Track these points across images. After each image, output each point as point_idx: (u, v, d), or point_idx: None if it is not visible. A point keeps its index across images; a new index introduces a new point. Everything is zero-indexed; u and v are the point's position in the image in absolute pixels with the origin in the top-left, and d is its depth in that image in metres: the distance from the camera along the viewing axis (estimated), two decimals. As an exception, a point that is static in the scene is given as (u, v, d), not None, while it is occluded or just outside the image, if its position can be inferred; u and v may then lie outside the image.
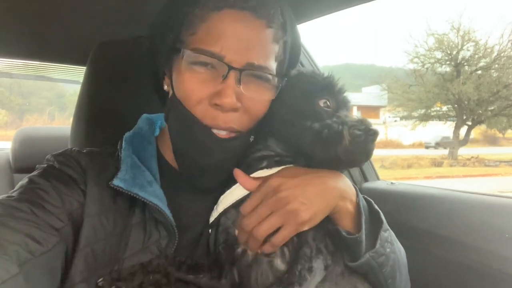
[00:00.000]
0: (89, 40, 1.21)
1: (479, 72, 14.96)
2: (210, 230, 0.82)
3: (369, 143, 0.72)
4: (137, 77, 1.08)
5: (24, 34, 1.40)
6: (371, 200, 0.85)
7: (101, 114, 1.10)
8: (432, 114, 16.64)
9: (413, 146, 20.95)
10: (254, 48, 0.74)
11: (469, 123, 15.69)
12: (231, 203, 0.78)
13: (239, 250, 0.77)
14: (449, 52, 15.60)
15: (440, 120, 16.85)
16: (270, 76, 0.77)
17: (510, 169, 14.72)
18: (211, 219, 0.81)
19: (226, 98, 0.72)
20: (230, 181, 0.80)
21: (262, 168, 0.79)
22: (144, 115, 0.95)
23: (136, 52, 1.07)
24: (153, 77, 0.88)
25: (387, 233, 0.79)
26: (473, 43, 15.35)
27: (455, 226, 1.17)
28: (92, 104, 1.11)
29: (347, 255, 0.75)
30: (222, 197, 0.80)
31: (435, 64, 15.98)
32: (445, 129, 17.11)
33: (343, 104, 0.80)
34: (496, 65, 14.63)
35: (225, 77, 0.73)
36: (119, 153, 0.83)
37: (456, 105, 15.50)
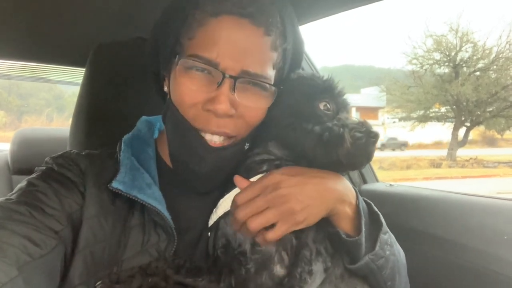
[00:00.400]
0: (88, 41, 1.21)
1: (478, 73, 14.98)
2: (209, 234, 0.82)
3: (370, 145, 0.72)
4: (136, 79, 1.08)
5: (23, 35, 1.40)
6: (371, 202, 0.84)
7: (100, 116, 1.10)
8: (431, 115, 16.65)
9: (412, 147, 20.95)
10: (250, 55, 0.73)
11: (468, 124, 15.70)
12: (230, 207, 0.78)
13: (237, 262, 0.77)
14: (447, 53, 15.61)
15: (438, 121, 16.86)
16: (266, 85, 0.77)
17: (508, 170, 14.72)
18: (210, 222, 0.81)
19: (220, 105, 0.72)
20: (229, 185, 0.80)
21: (262, 172, 0.79)
22: (143, 117, 0.95)
23: (135, 53, 1.07)
24: (154, 78, 0.88)
25: (387, 236, 0.79)
26: (472, 45, 15.38)
27: (454, 227, 1.17)
28: (91, 106, 1.11)
29: (346, 258, 0.75)
30: (221, 200, 0.80)
31: (433, 66, 16.00)
32: (443, 130, 17.12)
33: (343, 106, 0.80)
34: (495, 67, 14.65)
35: (219, 84, 0.72)
36: (118, 155, 0.83)
37: (454, 106, 15.52)
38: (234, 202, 0.74)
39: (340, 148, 0.71)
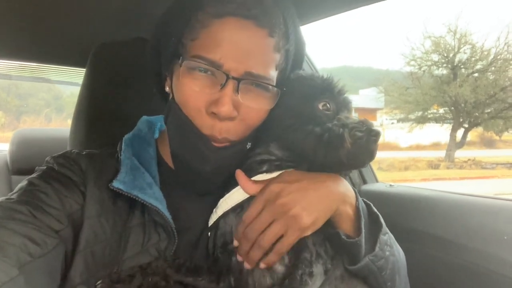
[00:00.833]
0: (89, 41, 1.21)
1: (476, 74, 15.02)
2: (209, 233, 0.82)
3: (372, 144, 0.72)
4: (137, 79, 1.08)
5: (23, 35, 1.40)
6: (370, 203, 0.85)
7: (101, 116, 1.10)
8: (429, 116, 16.68)
9: (410, 148, 20.97)
10: (254, 57, 0.73)
11: (466, 125, 15.73)
12: (230, 207, 0.78)
13: (234, 259, 0.77)
14: (445, 54, 15.65)
15: (437, 122, 16.90)
16: (269, 86, 0.77)
17: (506, 172, 14.76)
18: (210, 222, 0.81)
19: (223, 107, 0.72)
20: (229, 184, 0.80)
21: (262, 172, 0.79)
22: (144, 117, 0.95)
23: (136, 53, 1.07)
24: (155, 78, 0.88)
25: (386, 236, 0.79)
26: (470, 46, 15.42)
27: (454, 228, 1.17)
28: (92, 105, 1.11)
29: (346, 259, 0.75)
30: (221, 200, 0.80)
31: (432, 67, 16.02)
32: (442, 131, 17.16)
33: (344, 105, 0.79)
34: (493, 68, 14.69)
35: (223, 86, 0.72)
36: (119, 155, 0.83)
37: (453, 108, 15.55)
38: (242, 221, 0.74)
39: (340, 148, 0.71)
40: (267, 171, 0.79)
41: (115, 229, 0.76)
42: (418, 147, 21.19)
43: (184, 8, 0.77)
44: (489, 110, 14.80)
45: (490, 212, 1.14)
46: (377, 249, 0.74)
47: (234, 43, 0.72)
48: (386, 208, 1.18)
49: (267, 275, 0.74)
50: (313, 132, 0.74)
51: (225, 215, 0.79)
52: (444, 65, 15.78)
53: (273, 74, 0.77)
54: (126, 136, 0.88)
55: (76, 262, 0.72)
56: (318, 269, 0.73)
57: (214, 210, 0.81)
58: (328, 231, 0.75)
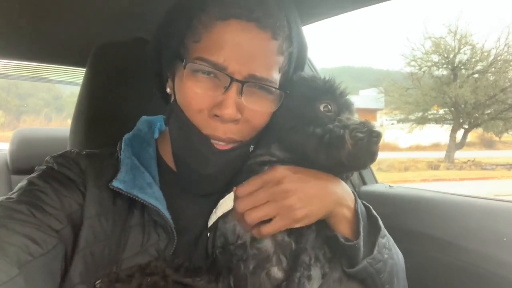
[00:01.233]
0: (89, 41, 1.21)
1: (476, 75, 15.04)
2: (208, 234, 0.82)
3: (373, 145, 0.72)
4: (137, 79, 1.08)
5: (23, 35, 1.40)
6: (369, 205, 0.84)
7: (101, 116, 1.10)
8: (429, 117, 16.71)
9: (410, 149, 20.98)
10: (257, 59, 0.73)
11: (466, 126, 15.75)
12: (230, 208, 0.78)
13: (235, 260, 0.77)
14: (446, 55, 15.67)
15: (437, 123, 16.91)
16: (272, 89, 0.77)
17: (506, 173, 14.76)
18: (210, 222, 0.81)
19: (227, 109, 0.72)
20: (230, 185, 0.80)
21: None
22: (144, 117, 0.95)
23: (136, 54, 1.07)
24: (156, 79, 0.88)
25: (385, 239, 0.79)
26: (470, 47, 15.44)
27: (453, 229, 1.17)
28: (92, 106, 1.11)
29: (345, 261, 0.75)
30: (221, 201, 0.80)
31: (432, 68, 16.05)
32: (442, 132, 17.16)
33: (346, 107, 0.79)
34: (493, 69, 14.71)
35: (226, 88, 0.72)
36: (119, 155, 0.83)
37: (453, 108, 15.57)
38: (235, 194, 0.74)
39: (341, 149, 0.71)
40: None
41: (115, 228, 0.76)
42: (418, 148, 21.22)
43: (186, 10, 0.77)
44: (489, 111, 14.82)
45: (489, 214, 1.14)
46: (375, 252, 0.74)
47: (237, 45, 0.72)
48: (386, 209, 1.18)
49: (267, 281, 0.74)
50: (314, 133, 0.73)
51: (224, 216, 0.79)
52: (444, 66, 15.80)
53: (276, 76, 0.77)
54: (126, 136, 0.88)
55: (76, 262, 0.72)
56: (316, 272, 0.73)
57: (214, 210, 0.81)
58: (326, 234, 0.75)
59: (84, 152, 0.84)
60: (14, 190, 0.72)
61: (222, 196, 0.80)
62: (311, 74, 0.87)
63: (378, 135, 0.71)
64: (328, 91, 0.79)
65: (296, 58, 0.84)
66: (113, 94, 1.11)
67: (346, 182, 0.82)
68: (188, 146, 0.79)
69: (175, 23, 0.78)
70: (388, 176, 13.60)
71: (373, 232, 0.78)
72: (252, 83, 0.74)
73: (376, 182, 1.70)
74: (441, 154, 16.71)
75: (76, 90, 1.16)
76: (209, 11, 0.73)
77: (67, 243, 0.71)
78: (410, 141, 21.06)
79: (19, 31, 1.35)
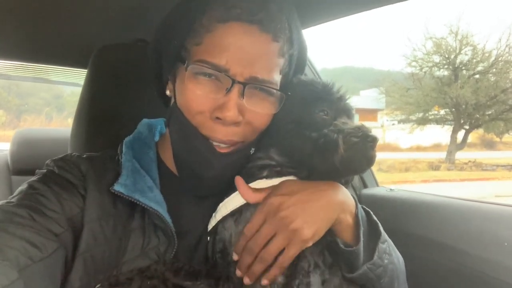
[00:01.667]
0: (90, 43, 1.22)
1: (477, 76, 15.02)
2: (208, 238, 0.82)
3: (368, 150, 0.71)
4: (138, 81, 1.08)
5: (25, 36, 1.40)
6: (370, 210, 0.84)
7: (102, 117, 1.10)
8: (430, 117, 16.69)
9: (410, 149, 20.96)
10: (259, 61, 0.73)
11: (467, 127, 15.73)
12: (229, 212, 0.78)
13: (234, 266, 0.76)
14: (447, 56, 15.64)
15: (437, 123, 16.89)
16: (273, 91, 0.77)
17: (507, 174, 14.74)
18: (210, 226, 0.81)
19: (228, 112, 0.72)
20: (229, 189, 0.80)
21: (262, 178, 0.79)
22: (144, 120, 0.95)
23: (137, 56, 1.07)
24: (156, 81, 0.88)
25: (385, 244, 0.79)
26: (471, 48, 15.42)
27: (454, 233, 1.17)
28: (93, 107, 1.11)
29: (345, 267, 0.75)
30: (221, 204, 0.80)
31: (433, 68, 16.03)
32: (442, 132, 17.14)
33: (344, 111, 0.79)
34: (494, 70, 14.68)
35: (228, 90, 0.72)
36: (120, 158, 0.83)
37: (453, 109, 15.54)
38: (243, 235, 0.74)
39: (334, 153, 0.70)
40: (267, 177, 0.79)
41: (115, 232, 0.76)
42: (419, 149, 21.19)
43: (187, 12, 0.77)
44: (490, 112, 14.80)
45: (491, 218, 1.14)
46: (375, 257, 0.74)
47: (239, 48, 0.72)
48: (386, 213, 1.18)
49: (267, 285, 0.74)
50: (309, 137, 0.74)
51: (223, 220, 0.79)
52: (445, 66, 15.78)
53: (277, 78, 0.78)
54: (127, 139, 0.88)
55: (76, 265, 0.72)
56: (315, 279, 0.73)
57: (213, 214, 0.81)
58: (326, 239, 0.75)
59: (84, 155, 0.84)
60: (15, 194, 0.72)
61: (222, 199, 0.80)
62: (310, 78, 0.87)
63: (373, 140, 0.71)
64: (326, 96, 0.79)
65: (297, 60, 0.84)
66: (114, 95, 1.11)
67: (346, 187, 0.81)
68: (188, 148, 0.79)
69: (176, 25, 0.78)
70: (388, 176, 13.59)
71: (373, 237, 0.78)
72: (253, 85, 0.74)
73: (377, 185, 1.69)
74: (442, 155, 16.68)
75: (77, 89, 1.17)
76: (210, 13, 0.73)
77: (67, 247, 0.71)
78: (411, 141, 21.04)
79: (21, 32, 1.35)
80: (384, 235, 0.80)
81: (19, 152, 2.01)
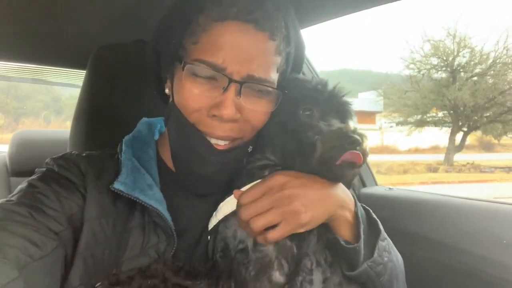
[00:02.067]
0: (89, 44, 1.22)
1: (475, 78, 15.03)
2: (209, 237, 0.82)
3: (347, 152, 0.68)
4: (137, 81, 1.08)
5: (24, 37, 1.40)
6: (369, 209, 0.85)
7: (101, 117, 1.10)
8: (428, 120, 16.68)
9: (409, 151, 20.98)
10: (255, 60, 0.74)
11: (465, 129, 15.73)
12: (230, 211, 0.78)
13: (236, 265, 0.76)
14: (445, 58, 15.66)
15: (436, 126, 16.89)
16: (270, 89, 0.77)
17: (505, 175, 14.76)
18: (210, 225, 0.81)
19: (226, 110, 0.72)
20: (229, 187, 0.80)
21: (263, 177, 0.78)
22: (144, 119, 0.95)
23: (136, 56, 1.08)
24: (155, 80, 0.88)
25: (385, 242, 0.79)
26: (469, 50, 15.43)
27: (453, 232, 1.17)
28: (92, 107, 1.11)
29: (345, 265, 0.75)
30: (222, 204, 0.80)
31: (431, 70, 16.04)
32: (441, 134, 17.17)
33: (334, 110, 0.78)
34: (492, 72, 14.69)
35: (225, 89, 0.73)
36: (119, 156, 0.83)
37: (452, 111, 15.54)
38: (238, 201, 0.74)
39: (311, 156, 0.70)
40: None
41: (115, 230, 0.76)
42: (417, 151, 21.21)
43: (184, 12, 0.77)
44: (488, 114, 14.80)
45: (489, 216, 1.14)
46: (375, 255, 0.74)
47: (236, 46, 0.72)
48: (385, 212, 1.18)
49: (268, 284, 0.74)
50: (292, 140, 0.74)
51: (225, 219, 0.79)
52: (443, 68, 15.80)
53: (274, 77, 0.78)
54: (126, 138, 0.88)
55: (76, 263, 0.72)
56: (317, 276, 0.74)
57: (214, 213, 0.81)
58: (328, 236, 0.75)
59: (84, 154, 0.84)
60: (14, 192, 0.72)
61: (222, 199, 0.81)
62: (302, 76, 0.87)
63: (352, 143, 0.68)
64: (315, 94, 0.78)
65: (294, 58, 0.84)
66: (113, 95, 1.12)
67: (347, 187, 0.81)
68: (186, 146, 0.79)
69: (173, 25, 0.79)
70: (387, 178, 13.58)
71: (373, 235, 0.78)
72: (250, 84, 0.74)
73: (376, 184, 1.70)
74: (440, 157, 16.70)
75: (75, 92, 1.17)
76: (207, 13, 0.74)
77: (67, 245, 0.71)
78: (409, 143, 21.05)
79: (20, 33, 1.35)
80: (383, 233, 0.80)
81: (17, 154, 2.01)
